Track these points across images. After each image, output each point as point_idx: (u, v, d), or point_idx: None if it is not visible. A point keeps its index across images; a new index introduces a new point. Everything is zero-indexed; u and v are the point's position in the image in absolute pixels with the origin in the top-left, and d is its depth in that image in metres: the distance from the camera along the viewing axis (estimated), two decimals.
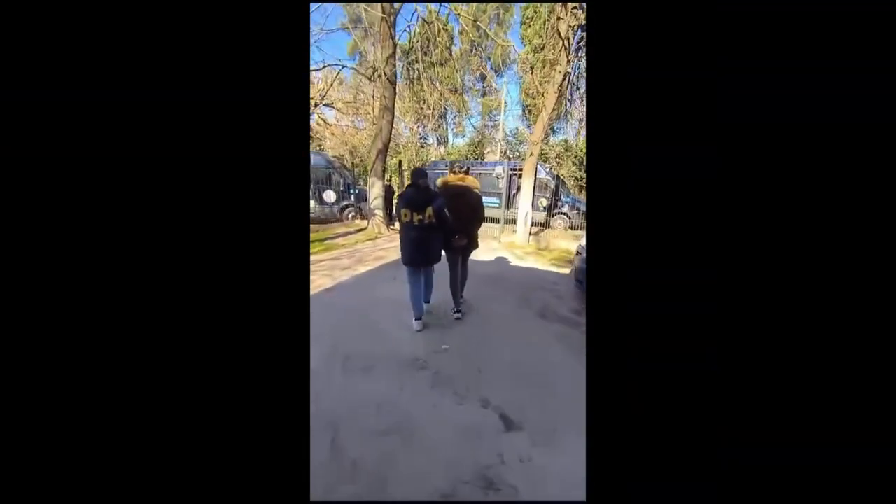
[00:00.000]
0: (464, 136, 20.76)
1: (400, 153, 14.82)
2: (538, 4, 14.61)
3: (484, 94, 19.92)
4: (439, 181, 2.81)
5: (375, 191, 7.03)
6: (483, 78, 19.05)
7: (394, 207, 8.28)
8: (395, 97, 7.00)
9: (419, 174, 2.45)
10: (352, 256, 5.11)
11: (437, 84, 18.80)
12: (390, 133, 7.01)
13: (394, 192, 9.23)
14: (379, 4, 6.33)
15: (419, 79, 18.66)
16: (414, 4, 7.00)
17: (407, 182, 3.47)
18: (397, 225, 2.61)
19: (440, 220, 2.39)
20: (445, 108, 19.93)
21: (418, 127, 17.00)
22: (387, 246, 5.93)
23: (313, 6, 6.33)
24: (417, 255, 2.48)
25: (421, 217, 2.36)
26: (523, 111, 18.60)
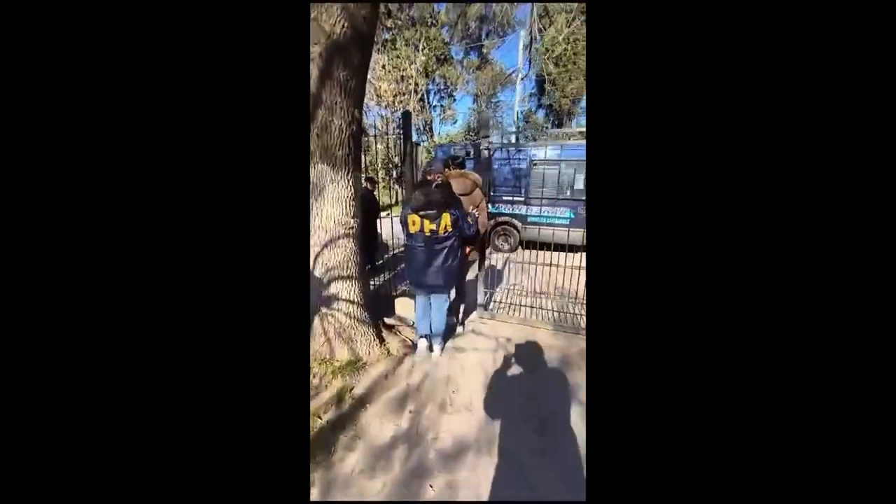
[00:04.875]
0: (454, 123, 15.95)
1: (370, 149, 9.46)
2: None
3: (479, 68, 15.27)
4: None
5: (327, 214, 1.83)
6: (477, 40, 14.30)
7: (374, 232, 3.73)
8: None
9: (435, 167, 1.89)
10: None
11: (421, 49, 13.99)
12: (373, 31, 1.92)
13: (378, 206, 4.34)
14: None
15: (394, 41, 13.78)
16: None
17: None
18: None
19: (461, 231, 1.84)
20: (429, 87, 15.02)
21: (396, 103, 11.88)
22: None
23: None
24: (430, 276, 1.87)
25: (434, 227, 1.77)
26: (538, 89, 14.08)
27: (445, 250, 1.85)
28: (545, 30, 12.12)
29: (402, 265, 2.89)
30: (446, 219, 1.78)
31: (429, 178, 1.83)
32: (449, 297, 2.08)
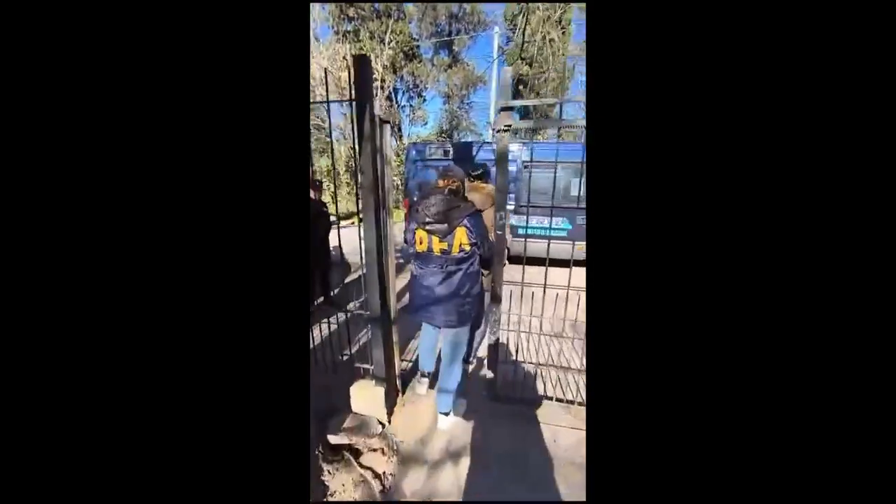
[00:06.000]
0: (425, 124, 14.95)
1: (334, 152, 8.12)
2: None
3: (450, 66, 14.42)
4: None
5: None
6: (447, 36, 13.44)
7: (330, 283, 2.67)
8: None
9: (454, 168, 1.52)
10: None
11: (387, 43, 12.89)
12: None
13: (328, 218, 3.23)
14: None
15: (357, 32, 12.61)
16: None
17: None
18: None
19: (481, 252, 1.46)
20: (397, 85, 13.96)
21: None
22: None
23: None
24: (441, 308, 1.48)
25: (446, 246, 1.41)
26: (513, 91, 13.42)
27: (461, 274, 1.46)
28: (523, 27, 11.54)
29: (365, 296, 1.87)
30: (461, 235, 1.40)
31: (441, 183, 1.48)
32: (465, 337, 1.65)
